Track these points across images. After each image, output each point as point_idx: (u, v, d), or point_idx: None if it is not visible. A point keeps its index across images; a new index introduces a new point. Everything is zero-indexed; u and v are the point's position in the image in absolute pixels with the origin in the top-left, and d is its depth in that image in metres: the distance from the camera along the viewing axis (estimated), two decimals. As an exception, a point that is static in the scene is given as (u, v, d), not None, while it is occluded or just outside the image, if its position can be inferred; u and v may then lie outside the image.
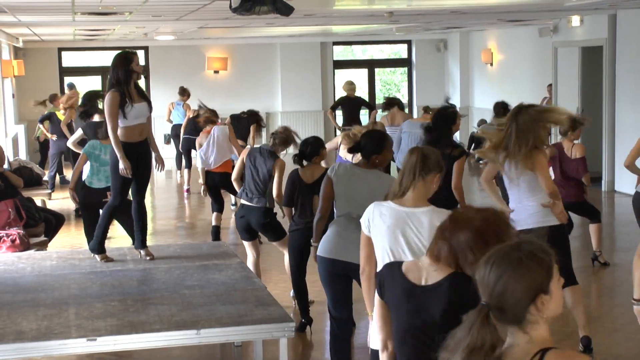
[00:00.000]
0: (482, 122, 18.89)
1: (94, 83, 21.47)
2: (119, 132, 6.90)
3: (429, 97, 21.99)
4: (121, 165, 6.87)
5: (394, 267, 3.47)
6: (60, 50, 20.39)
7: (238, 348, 6.70)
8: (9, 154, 13.56)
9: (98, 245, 7.21)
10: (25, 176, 11.27)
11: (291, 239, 7.12)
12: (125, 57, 7.09)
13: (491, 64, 19.91)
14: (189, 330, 5.28)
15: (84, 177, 9.10)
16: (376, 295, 3.53)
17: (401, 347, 3.41)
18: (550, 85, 16.14)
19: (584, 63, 15.20)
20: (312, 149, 7.16)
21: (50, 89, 20.20)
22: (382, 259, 4.08)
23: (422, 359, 3.27)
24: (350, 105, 15.22)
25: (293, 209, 7.11)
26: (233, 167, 9.40)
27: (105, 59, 22.00)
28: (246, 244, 7.91)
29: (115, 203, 7.21)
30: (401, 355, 3.43)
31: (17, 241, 8.68)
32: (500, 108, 11.81)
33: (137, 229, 7.28)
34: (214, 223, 10.67)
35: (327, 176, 5.62)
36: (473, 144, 19.62)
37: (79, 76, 21.51)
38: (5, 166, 10.26)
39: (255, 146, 8.64)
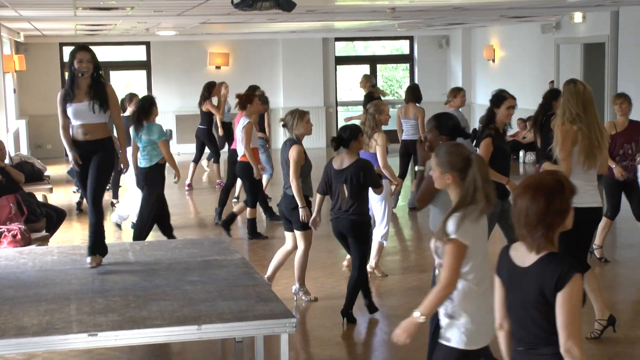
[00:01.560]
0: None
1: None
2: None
3: (430, 93, 21.95)
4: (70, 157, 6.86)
5: (506, 249, 3.61)
6: (61, 45, 20.37)
7: (239, 344, 6.70)
8: (10, 149, 13.55)
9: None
10: (27, 171, 11.26)
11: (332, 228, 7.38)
12: (71, 54, 6.78)
13: (493, 61, 19.89)
14: (190, 325, 5.27)
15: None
16: (495, 276, 3.64)
17: (513, 326, 3.57)
18: (552, 81, 16.13)
19: (586, 60, 15.19)
20: (351, 134, 7.20)
21: (52, 84, 20.22)
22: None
23: (526, 339, 3.46)
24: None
25: (323, 197, 7.34)
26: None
27: (107, 54, 21.99)
28: (285, 233, 8.00)
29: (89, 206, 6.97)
30: (513, 336, 3.58)
31: (19, 236, 8.68)
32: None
33: (90, 232, 6.88)
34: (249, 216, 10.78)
35: None
36: (475, 140, 19.62)
37: (80, 71, 21.50)
38: (7, 161, 10.26)
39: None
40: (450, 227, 4.06)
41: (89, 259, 6.80)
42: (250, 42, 21.14)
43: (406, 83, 23.51)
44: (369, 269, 7.99)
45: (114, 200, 13.18)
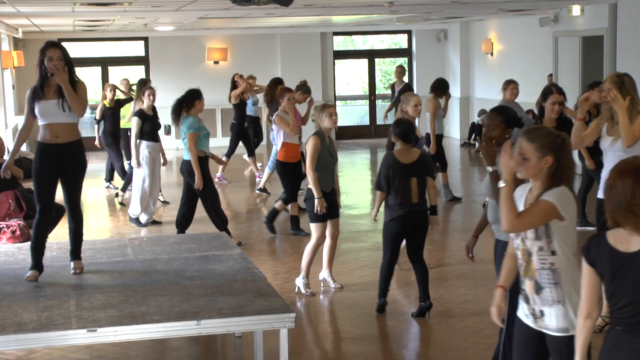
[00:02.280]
0: (482, 112, 18.87)
1: (94, 74, 21.46)
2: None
3: (429, 87, 21.95)
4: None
5: (599, 237, 3.60)
6: (60, 41, 20.31)
7: (238, 339, 6.71)
8: (9, 145, 13.55)
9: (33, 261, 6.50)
10: (26, 167, 11.28)
11: (390, 227, 7.20)
12: (40, 52, 6.43)
13: (491, 54, 19.88)
14: (189, 321, 5.28)
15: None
16: (583, 264, 3.62)
17: (620, 310, 3.55)
18: (550, 75, 16.12)
19: (585, 53, 15.18)
20: (411, 128, 7.15)
21: (50, 80, 20.18)
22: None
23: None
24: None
25: (384, 195, 7.22)
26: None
27: (106, 50, 21.98)
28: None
29: (36, 217, 6.50)
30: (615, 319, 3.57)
31: (18, 232, 8.70)
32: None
33: (70, 237, 6.61)
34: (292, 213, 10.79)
35: None
36: (474, 134, 19.62)
37: (78, 67, 21.44)
38: (6, 157, 10.26)
39: None
40: (548, 196, 4.02)
41: (72, 264, 6.53)
42: (248, 37, 21.12)
43: (404, 77, 23.49)
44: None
45: (121, 193, 13.26)
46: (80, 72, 22.77)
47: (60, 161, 6.37)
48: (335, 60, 22.21)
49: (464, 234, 10.41)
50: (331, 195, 7.89)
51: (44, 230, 6.52)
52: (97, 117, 14.19)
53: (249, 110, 15.34)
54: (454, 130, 21.19)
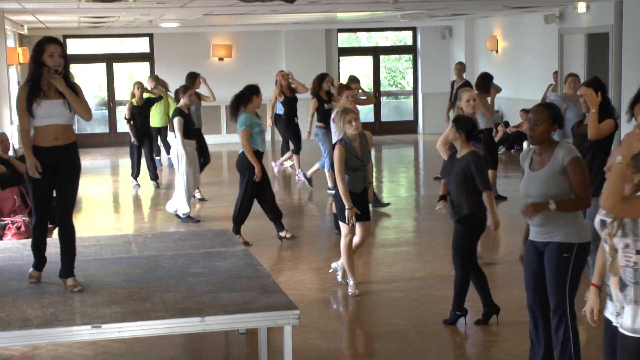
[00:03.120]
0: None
1: (99, 71, 21.47)
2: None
3: (434, 84, 21.96)
4: (26, 164, 5.97)
5: None
6: (65, 37, 20.34)
7: (242, 335, 6.72)
8: (14, 141, 13.57)
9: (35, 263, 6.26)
10: (30, 163, 11.26)
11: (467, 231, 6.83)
12: (38, 47, 5.91)
13: (496, 51, 19.85)
14: (193, 317, 5.28)
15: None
16: None
17: None
18: (556, 72, 16.09)
19: (590, 50, 15.15)
20: (474, 125, 7.00)
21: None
22: None
23: None
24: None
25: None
26: None
27: (111, 46, 21.99)
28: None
29: (33, 222, 6.22)
30: None
31: (22, 228, 8.70)
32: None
33: (61, 254, 6.10)
34: None
35: None
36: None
37: (84, 64, 21.51)
38: (11, 153, 10.28)
39: None
40: None
41: (67, 282, 6.00)
42: (253, 33, 21.11)
43: (409, 74, 23.49)
44: None
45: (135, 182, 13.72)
46: (86, 69, 22.77)
47: (57, 165, 5.98)
48: (340, 57, 22.18)
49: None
50: (361, 196, 7.76)
51: (42, 233, 6.23)
52: (127, 117, 14.09)
53: (279, 109, 15.15)
54: (458, 128, 21.16)
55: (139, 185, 14.29)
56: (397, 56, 24.56)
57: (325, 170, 12.95)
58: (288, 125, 14.57)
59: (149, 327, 5.28)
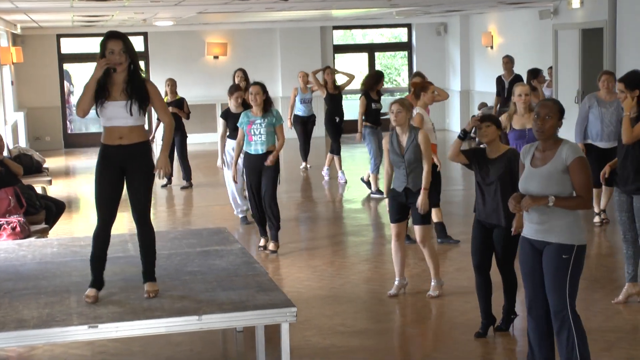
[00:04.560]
0: (482, 105, 18.85)
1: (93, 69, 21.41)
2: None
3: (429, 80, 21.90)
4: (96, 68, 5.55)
5: None
6: (58, 36, 20.32)
7: (240, 334, 6.70)
8: (8, 142, 13.53)
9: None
10: (26, 164, 11.24)
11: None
12: (101, 45, 5.66)
13: (491, 47, 19.84)
14: (191, 316, 5.27)
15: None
16: None
17: None
18: (550, 67, 16.09)
19: (585, 45, 15.14)
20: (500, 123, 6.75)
21: (50, 76, 20.17)
22: None
23: None
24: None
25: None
26: None
27: (105, 45, 21.92)
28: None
29: (96, 229, 5.84)
30: None
31: (18, 229, 8.67)
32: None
33: (141, 257, 5.88)
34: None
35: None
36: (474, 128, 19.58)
37: (78, 63, 21.46)
38: (5, 154, 10.24)
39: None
40: None
41: (145, 287, 5.75)
42: (248, 31, 21.09)
43: (404, 71, 23.48)
44: None
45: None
46: (80, 68, 22.70)
47: (125, 165, 5.68)
48: (335, 55, 22.17)
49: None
50: (399, 196, 7.51)
51: (103, 243, 5.81)
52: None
53: (298, 110, 14.92)
54: (454, 124, 21.16)
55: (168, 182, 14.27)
56: (393, 53, 24.58)
57: (370, 171, 12.83)
58: (327, 123, 14.28)
59: (146, 327, 5.27)
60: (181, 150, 13.92)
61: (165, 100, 13.49)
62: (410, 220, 7.72)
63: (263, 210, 9.42)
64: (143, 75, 5.82)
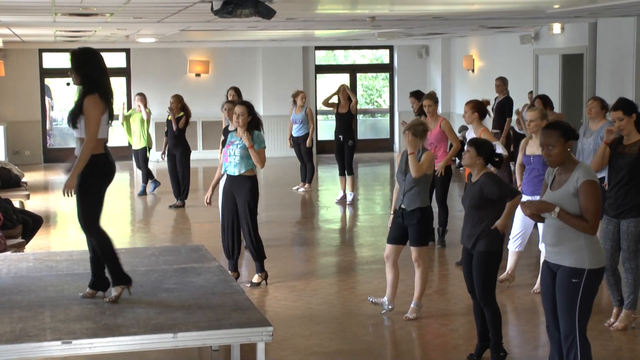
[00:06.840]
0: (463, 128, 18.92)
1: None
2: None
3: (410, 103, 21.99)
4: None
5: None
6: (41, 51, 20.27)
7: (215, 352, 6.67)
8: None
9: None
10: (4, 177, 11.18)
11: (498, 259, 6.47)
12: (98, 53, 6.11)
13: (473, 71, 19.97)
14: (166, 333, 5.24)
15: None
16: None
17: None
18: (531, 92, 16.20)
19: (565, 70, 15.28)
20: (493, 149, 6.68)
21: (31, 90, 20.09)
22: None
23: None
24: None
25: None
26: None
27: (86, 60, 21.85)
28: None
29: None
30: None
31: (-5, 242, 8.58)
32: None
33: (90, 263, 6.26)
34: None
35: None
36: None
37: (60, 78, 21.38)
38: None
39: None
40: None
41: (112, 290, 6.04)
42: (230, 50, 21.12)
43: (386, 92, 23.57)
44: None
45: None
46: (62, 83, 22.51)
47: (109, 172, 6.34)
48: (317, 75, 22.23)
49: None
50: (396, 215, 7.51)
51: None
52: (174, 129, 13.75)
53: (292, 130, 14.92)
54: (434, 146, 21.22)
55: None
56: (374, 74, 24.66)
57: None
58: (337, 143, 14.08)
59: (120, 343, 5.23)
60: (182, 167, 13.81)
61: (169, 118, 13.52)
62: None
63: (233, 240, 8.70)
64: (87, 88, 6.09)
